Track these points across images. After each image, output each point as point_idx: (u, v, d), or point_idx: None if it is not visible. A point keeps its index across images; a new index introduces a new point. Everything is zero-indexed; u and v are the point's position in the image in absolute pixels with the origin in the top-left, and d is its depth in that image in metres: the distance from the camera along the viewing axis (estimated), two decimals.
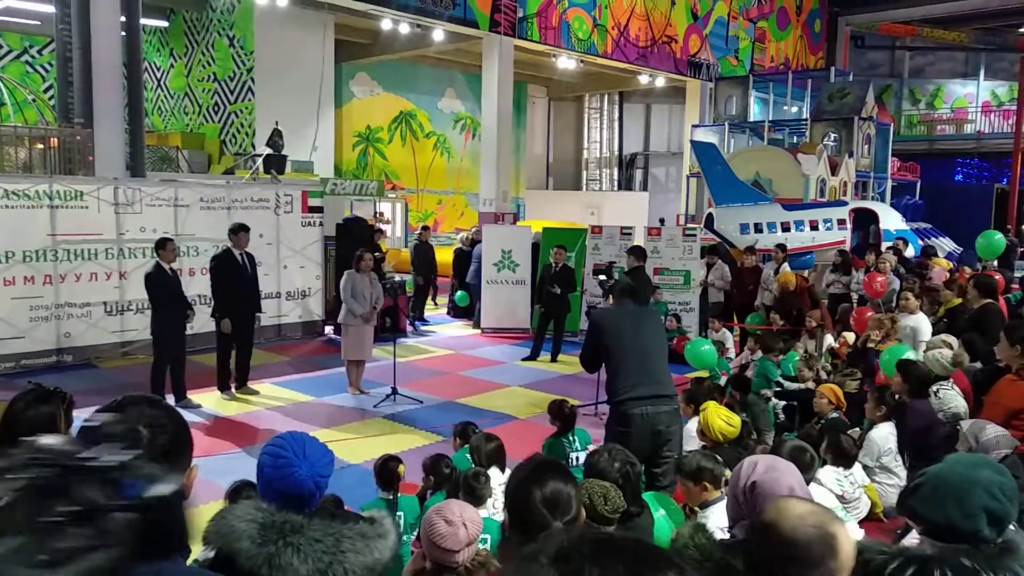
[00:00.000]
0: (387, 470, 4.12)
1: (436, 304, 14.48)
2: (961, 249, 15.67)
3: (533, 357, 10.42)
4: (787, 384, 7.04)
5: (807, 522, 1.67)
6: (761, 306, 10.67)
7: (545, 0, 18.75)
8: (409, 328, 12.29)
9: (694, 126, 22.92)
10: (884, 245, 13.41)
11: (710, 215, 14.52)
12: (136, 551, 1.01)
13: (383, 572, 1.88)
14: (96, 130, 11.14)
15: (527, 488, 1.97)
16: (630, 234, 12.10)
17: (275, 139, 15.40)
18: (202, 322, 8.94)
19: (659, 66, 22.11)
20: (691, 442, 4.87)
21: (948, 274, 10.29)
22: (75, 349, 9.39)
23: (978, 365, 6.04)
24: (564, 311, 10.56)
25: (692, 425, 4.97)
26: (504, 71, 17.87)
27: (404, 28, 17.37)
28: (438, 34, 17.45)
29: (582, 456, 4.90)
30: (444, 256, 14.66)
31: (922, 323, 7.14)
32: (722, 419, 4.56)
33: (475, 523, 2.52)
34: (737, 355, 9.18)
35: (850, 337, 8.21)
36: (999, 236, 11.13)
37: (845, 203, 15.42)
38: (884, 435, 5.22)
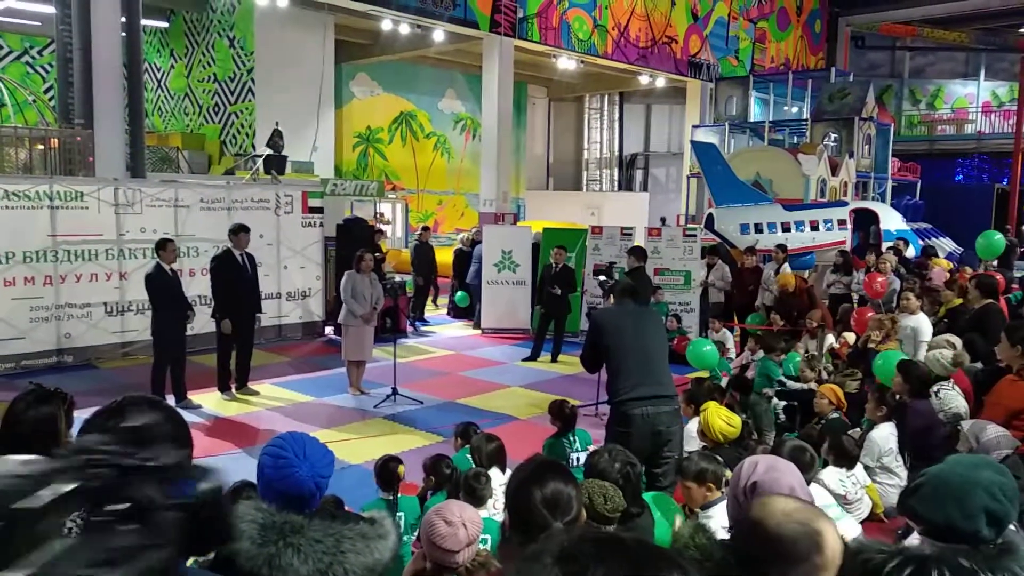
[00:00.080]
0: (387, 471, 4.12)
1: (436, 305, 14.48)
2: (961, 249, 15.67)
3: (533, 358, 10.42)
4: (789, 384, 7.04)
5: (793, 518, 1.67)
6: (761, 306, 10.67)
7: (545, 1, 18.75)
8: (409, 328, 12.29)
9: (694, 126, 22.92)
10: (884, 245, 13.41)
11: (710, 215, 14.52)
12: (184, 549, 1.03)
13: (383, 572, 1.88)
14: (96, 131, 11.15)
15: (528, 488, 1.97)
16: (630, 234, 12.10)
17: (275, 140, 15.40)
18: (202, 323, 8.94)
19: (659, 66, 22.11)
20: (691, 442, 4.87)
21: (948, 274, 10.28)
22: (75, 350, 9.39)
23: (979, 365, 6.05)
24: (564, 311, 10.56)
25: (692, 425, 4.97)
26: (504, 71, 17.88)
27: (404, 28, 17.38)
28: (438, 34, 17.46)
29: (582, 456, 4.90)
30: (444, 257, 14.66)
31: (923, 323, 7.13)
32: (722, 419, 4.55)
33: (475, 523, 2.52)
34: (737, 355, 9.18)
35: (850, 337, 8.21)
36: (999, 236, 11.12)
37: (845, 203, 15.42)
38: (885, 435, 5.22)
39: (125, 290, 9.66)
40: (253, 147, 18.46)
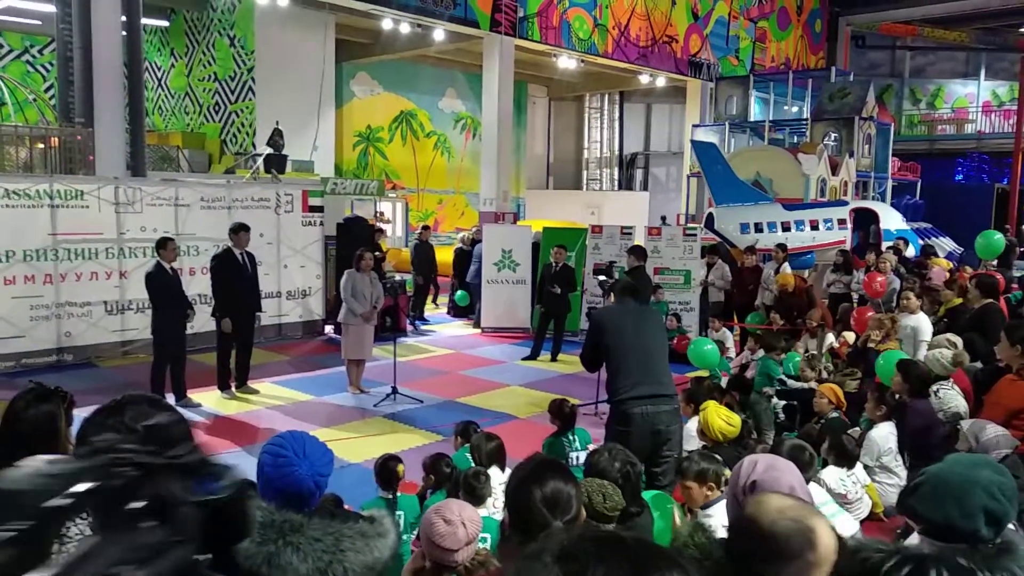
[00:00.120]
0: (387, 469, 4.12)
1: (437, 304, 14.47)
2: (962, 249, 15.67)
3: (533, 357, 10.42)
4: (790, 383, 7.04)
5: (786, 515, 1.68)
6: (761, 306, 10.67)
7: (546, 0, 18.74)
8: (409, 327, 12.29)
9: (694, 126, 22.91)
10: (884, 245, 13.41)
11: (710, 215, 14.52)
12: (207, 547, 1.03)
13: (383, 571, 1.88)
14: (97, 129, 11.15)
15: (527, 487, 1.97)
16: (630, 234, 12.11)
17: (276, 139, 15.40)
18: (202, 321, 8.95)
19: (660, 66, 22.10)
20: (691, 441, 4.87)
21: (948, 274, 10.28)
22: (75, 348, 9.40)
23: (978, 365, 6.05)
24: (564, 311, 10.56)
25: (692, 424, 4.97)
26: (505, 71, 17.87)
27: (405, 28, 17.36)
28: (439, 34, 17.45)
29: (582, 455, 4.90)
30: (444, 256, 14.66)
31: (922, 323, 7.14)
32: (722, 419, 4.56)
33: (474, 522, 2.52)
34: (737, 355, 9.18)
35: (850, 337, 8.22)
36: (998, 236, 11.12)
37: (845, 203, 15.42)
38: (884, 435, 5.22)
39: (125, 289, 9.66)
40: (253, 146, 18.45)
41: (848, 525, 3.47)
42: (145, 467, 1.00)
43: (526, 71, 23.38)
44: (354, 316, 8.26)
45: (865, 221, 14.91)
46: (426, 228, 14.31)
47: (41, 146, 11.55)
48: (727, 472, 3.29)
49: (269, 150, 15.09)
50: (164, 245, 7.66)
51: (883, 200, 18.81)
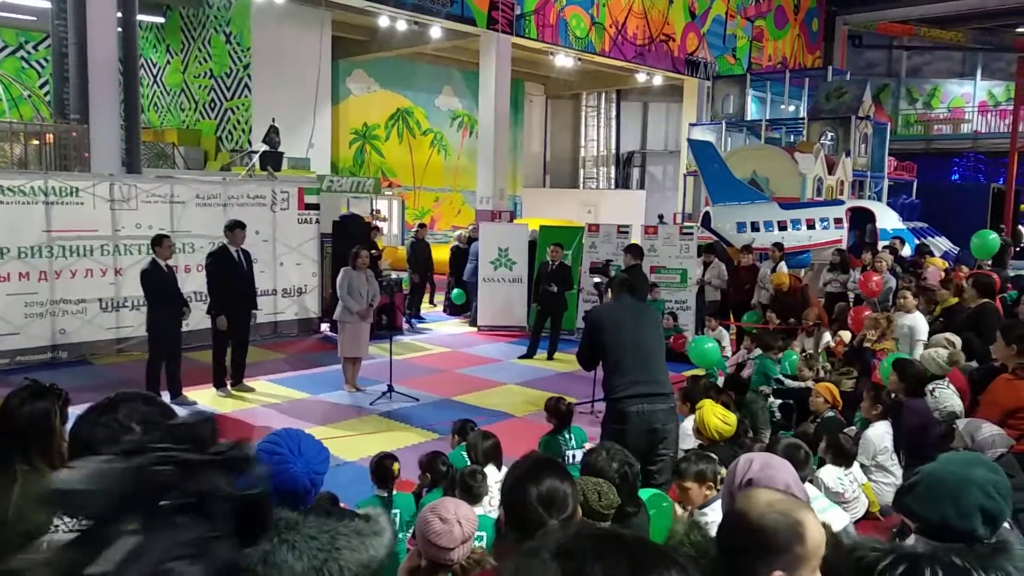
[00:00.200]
0: (382, 467, 4.11)
1: (434, 304, 14.45)
2: (958, 249, 15.71)
3: (529, 355, 10.42)
4: (787, 382, 7.04)
5: (774, 509, 1.68)
6: (758, 305, 10.69)
7: None
8: (405, 326, 12.28)
9: (691, 124, 22.93)
10: (880, 244, 13.45)
11: (707, 213, 14.54)
12: (244, 542, 1.05)
13: (378, 569, 1.87)
14: (92, 126, 11.11)
15: (523, 486, 1.97)
16: (627, 232, 12.11)
17: (271, 136, 15.33)
18: (198, 319, 8.93)
19: (656, 64, 22.11)
20: (687, 440, 4.87)
21: (943, 273, 10.30)
22: (70, 346, 9.37)
23: (974, 364, 6.06)
24: (561, 309, 10.56)
25: (688, 423, 4.97)
26: (501, 69, 17.86)
27: (401, 25, 17.33)
28: (435, 31, 17.43)
29: (578, 454, 4.90)
30: (441, 254, 14.65)
31: (919, 322, 7.15)
32: (718, 417, 4.56)
33: (470, 521, 2.52)
34: (734, 353, 9.19)
35: (846, 336, 8.23)
36: (993, 236, 11.16)
37: (842, 202, 15.46)
38: (880, 434, 5.23)
39: (120, 286, 9.63)
40: (249, 143, 18.40)
41: (839, 519, 3.47)
42: (187, 464, 1.01)
43: (523, 69, 23.37)
44: (350, 314, 8.26)
45: (861, 220, 14.95)
46: (422, 226, 14.29)
47: (36, 143, 11.51)
48: (723, 471, 3.29)
49: (265, 147, 15.02)
50: (159, 242, 7.64)
51: (879, 199, 18.86)
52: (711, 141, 18.33)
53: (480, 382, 9.13)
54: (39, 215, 9.04)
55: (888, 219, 15.04)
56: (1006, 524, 2.04)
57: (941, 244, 16.28)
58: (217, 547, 0.98)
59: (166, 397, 7.31)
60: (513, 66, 18.82)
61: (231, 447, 1.10)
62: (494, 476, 4.02)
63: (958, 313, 7.38)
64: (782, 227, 13.72)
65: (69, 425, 2.36)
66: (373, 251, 10.95)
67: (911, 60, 29.15)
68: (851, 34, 28.22)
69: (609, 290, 5.31)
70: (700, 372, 7.80)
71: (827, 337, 8.73)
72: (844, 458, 4.88)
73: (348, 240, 10.67)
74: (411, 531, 3.35)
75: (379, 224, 15.41)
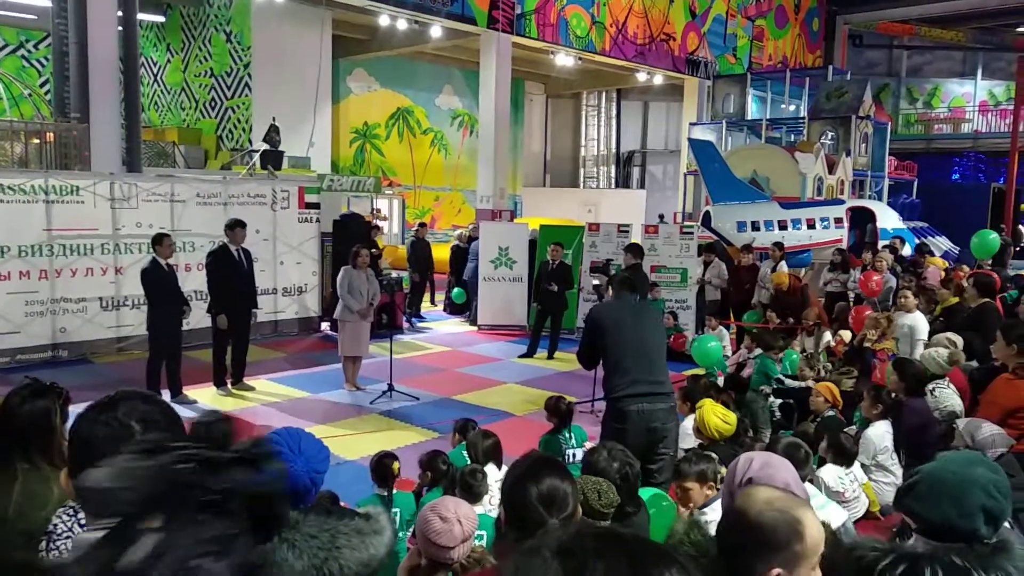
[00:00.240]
0: (383, 466, 4.11)
1: (435, 304, 14.44)
2: (959, 248, 15.71)
3: (530, 354, 10.42)
4: (787, 382, 7.04)
5: (773, 506, 1.68)
6: (758, 304, 10.69)
7: None
8: (406, 325, 12.28)
9: (692, 124, 22.93)
10: (880, 244, 13.44)
11: (707, 213, 14.53)
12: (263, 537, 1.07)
13: (378, 568, 1.87)
14: (92, 125, 11.11)
15: (524, 485, 1.97)
16: (627, 232, 12.10)
17: (272, 135, 15.34)
18: (198, 318, 8.92)
19: (657, 64, 22.11)
20: (687, 439, 4.87)
21: (943, 273, 10.30)
22: (71, 344, 9.37)
23: (974, 364, 6.06)
24: (561, 308, 10.56)
25: (688, 422, 4.97)
26: (502, 68, 17.86)
27: (402, 24, 17.33)
28: (436, 30, 17.43)
29: (578, 453, 4.90)
30: (441, 253, 14.65)
31: (919, 322, 7.15)
32: (718, 416, 4.56)
33: (470, 520, 2.52)
34: (734, 353, 9.19)
35: (846, 335, 8.23)
36: (993, 235, 11.16)
37: (842, 202, 15.46)
38: (880, 433, 5.23)
39: (121, 285, 9.63)
40: (250, 142, 18.40)
41: (837, 516, 3.47)
42: (210, 462, 1.02)
43: (523, 68, 23.37)
44: (350, 313, 8.26)
45: (862, 220, 14.95)
46: (423, 225, 14.29)
47: (36, 141, 11.51)
48: (723, 470, 3.29)
49: (265, 146, 15.04)
50: (160, 241, 7.64)
51: (880, 199, 18.85)
52: (711, 140, 18.33)
53: (480, 381, 9.13)
54: (39, 214, 9.04)
55: (888, 219, 15.04)
56: (1006, 524, 2.03)
57: (941, 244, 16.27)
58: (238, 544, 0.99)
59: (166, 396, 7.32)
60: (513, 65, 18.83)
61: (252, 444, 1.11)
62: (494, 475, 4.02)
63: (958, 313, 7.38)
64: (782, 226, 13.71)
65: (69, 424, 2.37)
66: (373, 250, 10.95)
67: (911, 60, 29.14)
68: (851, 33, 28.21)
69: (610, 288, 5.30)
70: (700, 371, 7.80)
71: (827, 337, 8.73)
72: (845, 457, 4.88)
73: (348, 239, 10.67)
74: (411, 530, 3.35)
75: (379, 223, 15.41)
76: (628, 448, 3.45)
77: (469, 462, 4.18)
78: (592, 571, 0.90)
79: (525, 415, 7.65)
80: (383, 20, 17.22)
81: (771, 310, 9.80)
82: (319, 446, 2.09)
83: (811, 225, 13.90)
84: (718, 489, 3.36)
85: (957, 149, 27.71)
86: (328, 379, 8.83)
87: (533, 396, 8.22)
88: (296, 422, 6.78)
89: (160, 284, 7.55)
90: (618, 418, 4.39)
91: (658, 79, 23.40)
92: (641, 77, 23.09)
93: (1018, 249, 16.74)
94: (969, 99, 28.16)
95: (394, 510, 3.92)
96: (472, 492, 3.66)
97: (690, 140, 18.60)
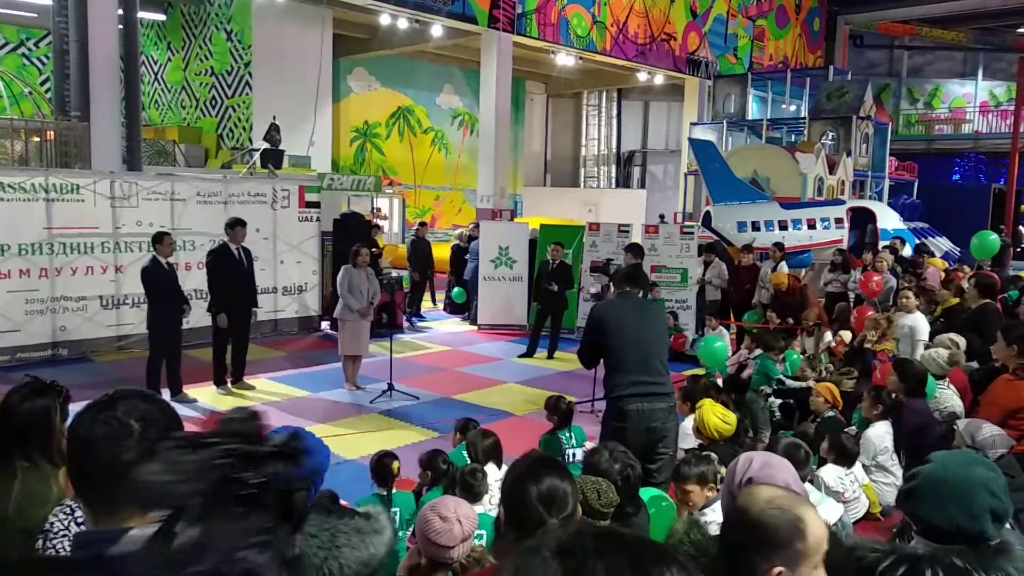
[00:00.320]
0: (382, 466, 4.11)
1: (435, 303, 14.45)
2: (959, 249, 15.71)
3: (530, 354, 10.42)
4: (788, 382, 7.04)
5: (775, 505, 1.68)
6: (758, 304, 10.69)
7: None
8: (406, 324, 12.28)
9: (692, 124, 22.92)
10: (881, 244, 13.44)
11: (708, 213, 14.53)
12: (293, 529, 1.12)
13: (378, 567, 1.87)
14: (92, 123, 11.11)
15: (523, 484, 1.97)
16: (628, 231, 12.10)
17: (272, 134, 15.36)
18: (198, 317, 8.92)
19: (658, 63, 22.10)
20: (687, 439, 4.87)
21: (943, 274, 10.30)
22: (71, 343, 9.37)
23: (975, 364, 6.06)
24: (561, 308, 10.56)
25: (688, 422, 4.96)
26: (502, 67, 17.85)
27: (403, 23, 17.33)
28: (436, 29, 17.43)
29: (578, 452, 4.90)
30: (441, 252, 14.64)
31: (920, 322, 7.15)
32: (718, 416, 4.56)
33: (470, 519, 2.52)
34: (734, 353, 9.18)
35: (847, 336, 8.22)
36: (993, 236, 11.17)
37: (843, 202, 15.45)
38: (880, 434, 5.23)
39: (121, 283, 9.64)
40: (250, 141, 18.39)
41: (833, 512, 3.47)
42: (249, 456, 1.04)
43: (524, 68, 23.37)
44: (350, 312, 8.25)
45: (862, 220, 14.94)
46: (423, 224, 14.29)
47: (37, 140, 11.50)
48: (723, 471, 3.29)
49: (266, 145, 15.05)
50: (160, 240, 7.64)
51: (880, 199, 18.85)
52: (712, 140, 18.33)
53: (480, 381, 9.13)
54: (40, 212, 9.04)
55: (889, 219, 15.03)
56: (1007, 524, 2.03)
57: (942, 244, 16.27)
58: (277, 537, 1.02)
59: (166, 395, 7.32)
60: (514, 65, 18.82)
61: (288, 439, 1.14)
62: (494, 474, 4.02)
63: (959, 313, 7.38)
64: (783, 227, 13.71)
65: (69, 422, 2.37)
66: (374, 249, 10.95)
67: (912, 60, 29.13)
68: (852, 34, 28.21)
69: (611, 286, 5.27)
70: (700, 372, 7.79)
71: (828, 337, 8.73)
72: (846, 458, 4.88)
73: (348, 238, 10.67)
74: (411, 529, 3.35)
75: (379, 222, 15.42)
76: (628, 447, 3.45)
77: (469, 461, 4.18)
78: (592, 571, 0.90)
79: (525, 415, 7.65)
80: (384, 19, 17.22)
81: (771, 310, 9.80)
82: (319, 445, 2.09)
83: (811, 225, 13.89)
84: (718, 490, 3.36)
85: (958, 150, 27.71)
86: (328, 378, 8.83)
87: (533, 396, 8.22)
88: (296, 421, 6.78)
89: (160, 283, 7.55)
90: (618, 417, 4.39)
91: (659, 79, 23.39)
92: (642, 77, 23.09)
93: (1018, 250, 16.72)
94: (970, 100, 28.16)
95: (394, 509, 3.92)
96: (472, 492, 3.66)
97: (691, 140, 18.59)
